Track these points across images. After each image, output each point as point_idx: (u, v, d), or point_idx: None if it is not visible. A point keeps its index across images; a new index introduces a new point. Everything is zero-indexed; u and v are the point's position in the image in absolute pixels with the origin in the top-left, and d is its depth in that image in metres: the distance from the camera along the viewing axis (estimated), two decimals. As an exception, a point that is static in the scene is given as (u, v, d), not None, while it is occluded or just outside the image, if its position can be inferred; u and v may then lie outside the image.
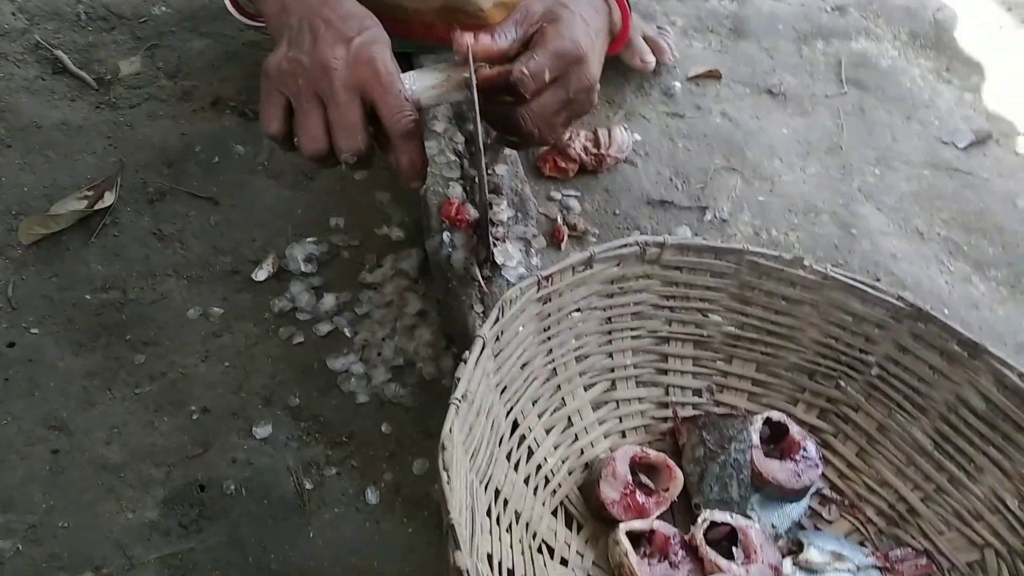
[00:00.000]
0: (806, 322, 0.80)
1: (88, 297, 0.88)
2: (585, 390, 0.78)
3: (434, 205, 0.88)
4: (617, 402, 0.80)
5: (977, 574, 0.71)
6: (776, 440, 0.77)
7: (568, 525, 0.72)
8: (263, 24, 0.92)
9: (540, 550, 0.68)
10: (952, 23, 1.41)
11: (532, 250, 0.87)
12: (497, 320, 0.67)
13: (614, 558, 0.68)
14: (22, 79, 1.11)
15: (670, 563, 0.68)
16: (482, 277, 0.81)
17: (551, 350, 0.76)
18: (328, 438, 0.80)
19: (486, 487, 0.65)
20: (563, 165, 1.05)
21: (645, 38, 1.20)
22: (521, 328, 0.71)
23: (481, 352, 0.64)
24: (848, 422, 0.80)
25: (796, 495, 0.75)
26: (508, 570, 0.62)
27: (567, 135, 1.04)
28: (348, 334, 0.87)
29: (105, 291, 0.89)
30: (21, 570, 0.69)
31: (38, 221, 0.92)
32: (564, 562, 0.68)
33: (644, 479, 0.73)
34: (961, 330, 0.74)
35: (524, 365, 0.73)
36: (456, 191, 0.89)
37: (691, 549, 0.69)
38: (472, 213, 0.83)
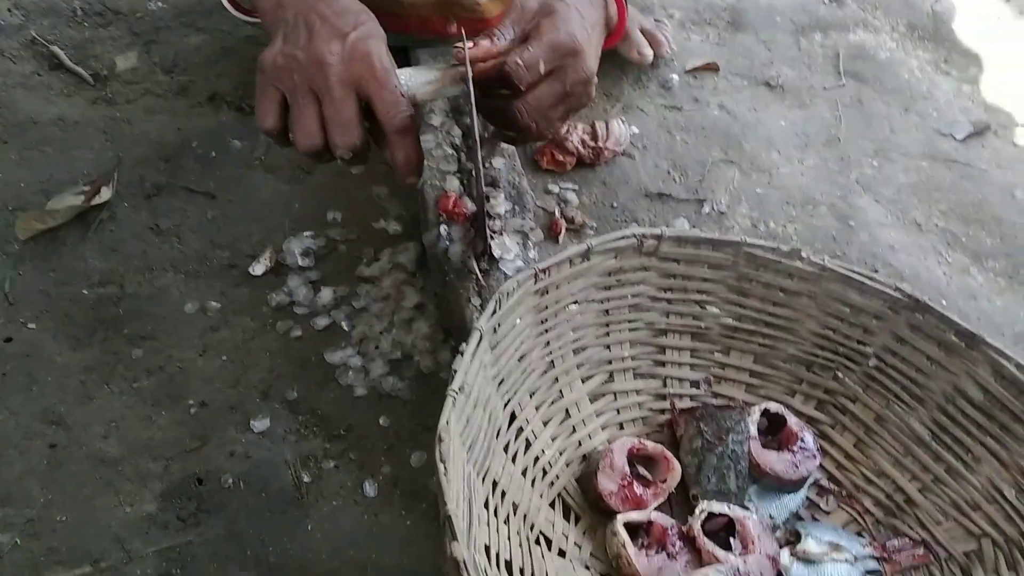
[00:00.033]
0: (804, 313, 0.80)
1: (85, 292, 0.88)
2: (583, 382, 0.79)
3: (431, 198, 0.88)
4: (615, 394, 0.80)
5: (974, 564, 0.71)
6: (774, 431, 0.77)
7: (566, 517, 0.72)
8: (258, 20, 0.92)
9: (538, 541, 0.68)
10: (950, 14, 1.41)
11: (530, 243, 0.87)
12: (494, 312, 0.67)
13: (612, 549, 0.68)
14: (18, 75, 1.11)
15: (668, 554, 0.68)
16: (479, 270, 0.81)
17: (548, 342, 0.76)
18: (326, 431, 0.80)
19: (483, 479, 0.65)
20: (561, 158, 1.05)
21: (643, 31, 1.20)
22: (518, 320, 0.71)
23: (478, 344, 0.64)
24: (846, 413, 0.80)
25: (794, 486, 0.75)
26: (506, 561, 0.62)
27: (564, 129, 1.04)
28: (346, 328, 0.87)
29: (102, 286, 0.89)
30: (19, 564, 0.69)
31: (35, 216, 0.92)
32: (562, 553, 0.69)
33: (642, 471, 0.73)
34: (959, 321, 0.74)
35: (521, 357, 0.73)
36: (453, 184, 0.89)
37: (689, 540, 0.69)
38: (469, 206, 0.82)
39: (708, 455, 0.73)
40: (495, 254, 0.81)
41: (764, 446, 0.75)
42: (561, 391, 0.77)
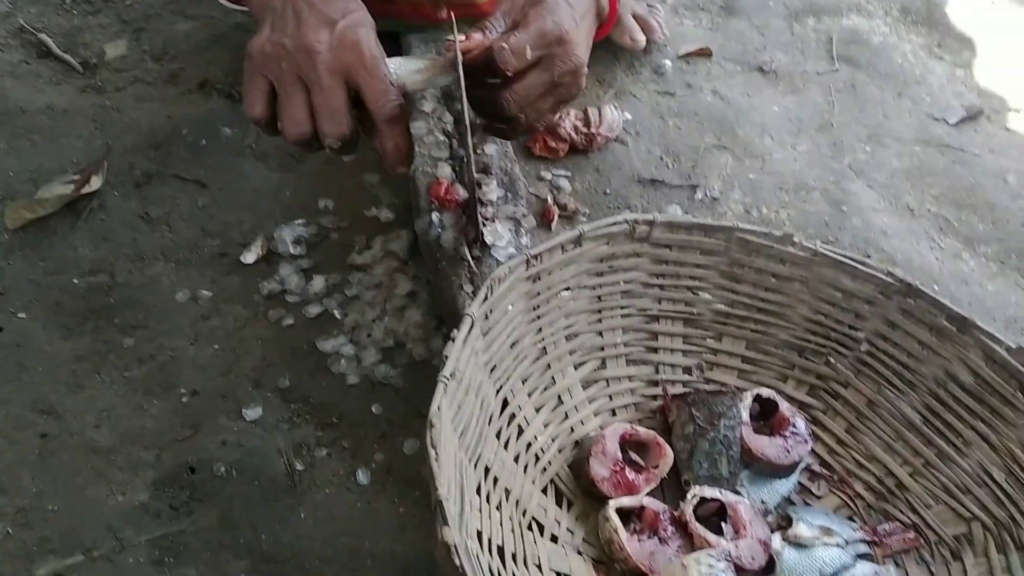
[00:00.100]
0: (796, 299, 0.80)
1: (76, 281, 0.88)
2: (575, 368, 0.78)
3: (423, 186, 0.88)
4: (607, 380, 0.80)
5: (964, 547, 0.71)
6: (766, 417, 0.77)
7: (558, 502, 0.72)
8: (246, 8, 0.92)
9: (530, 527, 0.68)
10: (944, -1, 1.41)
11: (522, 230, 0.87)
12: (486, 299, 0.67)
13: (604, 534, 0.68)
14: (6, 63, 1.10)
15: (660, 539, 0.68)
16: (472, 257, 0.81)
17: (541, 329, 0.75)
18: (318, 419, 0.80)
19: (475, 465, 0.65)
20: (553, 145, 1.05)
21: (635, 17, 1.19)
22: (510, 307, 0.71)
23: (469, 331, 0.63)
24: (838, 398, 0.80)
25: (785, 471, 0.75)
26: (498, 547, 0.63)
27: (556, 117, 1.04)
28: (338, 316, 0.87)
29: (93, 275, 0.89)
30: (11, 553, 0.69)
31: (24, 206, 0.92)
32: (554, 539, 0.69)
33: (634, 456, 0.74)
34: (950, 305, 0.74)
35: (514, 344, 0.72)
36: (445, 171, 0.88)
37: (681, 525, 0.69)
38: (461, 193, 0.82)
39: (700, 440, 0.74)
40: (487, 241, 0.81)
41: (756, 431, 0.76)
42: (553, 377, 0.77)
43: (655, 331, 0.82)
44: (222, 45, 1.15)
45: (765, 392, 0.78)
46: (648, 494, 0.72)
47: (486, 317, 0.67)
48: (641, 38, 1.17)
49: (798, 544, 0.69)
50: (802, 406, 0.80)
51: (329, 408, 0.81)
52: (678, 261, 0.80)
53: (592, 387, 0.79)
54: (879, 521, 0.75)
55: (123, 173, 0.98)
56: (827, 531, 0.70)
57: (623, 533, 0.67)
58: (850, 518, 0.75)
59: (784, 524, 0.71)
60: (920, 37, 1.34)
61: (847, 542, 0.71)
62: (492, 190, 0.87)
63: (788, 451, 0.74)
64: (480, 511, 0.63)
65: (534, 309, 0.74)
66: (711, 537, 0.68)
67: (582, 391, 0.78)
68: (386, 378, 0.83)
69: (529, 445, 0.73)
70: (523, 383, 0.74)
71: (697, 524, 0.69)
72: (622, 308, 0.80)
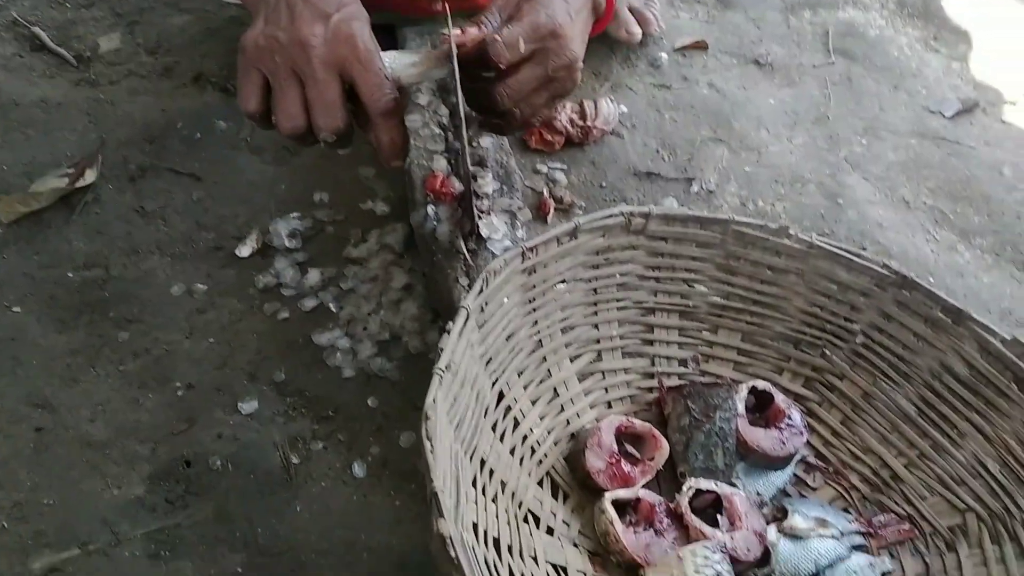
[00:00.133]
0: (791, 291, 0.80)
1: (70, 275, 0.88)
2: (571, 361, 0.78)
3: (419, 178, 0.88)
4: (603, 373, 0.80)
5: (959, 538, 0.72)
6: (761, 409, 0.77)
7: (554, 495, 0.72)
8: (240, 1, 0.91)
9: (526, 520, 0.68)
10: (940, -9, 1.40)
11: (518, 223, 0.87)
12: (481, 291, 0.67)
13: (600, 526, 0.69)
14: (-1, 56, 1.10)
15: (655, 531, 0.68)
16: (467, 250, 0.81)
17: (536, 321, 0.75)
18: (314, 413, 0.80)
19: (471, 457, 0.65)
20: (549, 138, 1.05)
21: (631, 9, 1.19)
22: (506, 299, 0.71)
23: (465, 323, 0.63)
24: (833, 390, 0.80)
25: (781, 463, 0.75)
26: (494, 539, 0.62)
27: (551, 112, 1.04)
28: (333, 309, 0.87)
29: (87, 269, 0.89)
30: (7, 547, 0.69)
31: (18, 199, 0.92)
32: (550, 531, 0.69)
33: (629, 448, 0.74)
34: (946, 297, 0.74)
35: (509, 336, 0.72)
36: (441, 164, 0.88)
37: (676, 517, 0.69)
38: (457, 186, 0.82)
39: (696, 433, 0.74)
40: (483, 234, 0.81)
41: (751, 423, 0.76)
42: (549, 370, 0.77)
43: (651, 323, 0.82)
44: (216, 38, 1.14)
45: (761, 384, 0.78)
46: (644, 486, 0.72)
47: (482, 310, 0.67)
48: (637, 31, 1.17)
49: (794, 536, 0.70)
50: (798, 398, 0.80)
51: (325, 401, 0.81)
52: (674, 254, 0.80)
53: (588, 379, 0.79)
54: (874, 513, 0.75)
55: (117, 167, 0.98)
56: (822, 523, 0.70)
57: (619, 525, 0.67)
58: (845, 510, 0.75)
59: (780, 516, 0.71)
60: (916, 30, 1.34)
61: (842, 533, 0.71)
62: (488, 183, 0.87)
63: (784, 443, 0.74)
64: (476, 503, 0.63)
65: (530, 302, 0.74)
66: (707, 529, 0.68)
67: (578, 383, 0.78)
68: (382, 371, 0.83)
69: (525, 437, 0.73)
70: (519, 376, 0.74)
71: (693, 516, 0.69)
72: (618, 301, 0.80)
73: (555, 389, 0.77)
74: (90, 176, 0.95)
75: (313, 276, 0.89)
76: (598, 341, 0.80)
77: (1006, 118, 1.20)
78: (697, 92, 1.16)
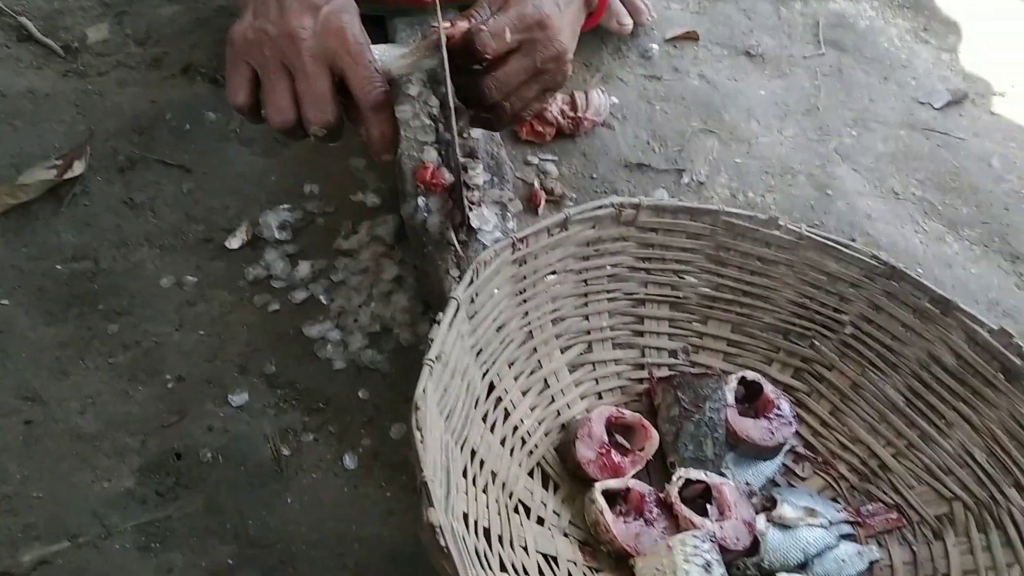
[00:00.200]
0: (781, 282, 0.80)
1: (59, 267, 0.87)
2: (561, 352, 0.79)
3: (409, 170, 0.87)
4: (593, 364, 0.80)
5: (945, 526, 0.72)
6: (751, 399, 0.78)
7: (545, 485, 0.73)
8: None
9: (516, 510, 0.68)
10: (930, -18, 1.40)
11: (508, 214, 0.87)
12: (471, 282, 0.67)
13: (590, 517, 0.69)
14: (-14, 47, 1.09)
15: (645, 520, 0.69)
16: (458, 242, 0.80)
17: (527, 312, 0.76)
18: (305, 405, 0.80)
19: (462, 448, 0.65)
20: (540, 129, 1.04)
21: (623, 0, 1.18)
22: (496, 290, 0.71)
23: (455, 314, 0.64)
24: (822, 381, 0.80)
25: (770, 453, 0.76)
26: (484, 529, 0.63)
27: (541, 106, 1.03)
28: (324, 301, 0.87)
29: (76, 261, 0.88)
30: (-3, 540, 0.69)
31: (6, 191, 0.91)
32: (540, 521, 0.69)
33: (620, 439, 0.74)
34: (934, 288, 0.74)
35: (500, 328, 0.73)
36: (431, 155, 0.87)
37: (666, 507, 0.70)
38: (447, 177, 0.82)
39: (685, 423, 0.74)
40: (473, 225, 0.81)
41: (741, 414, 0.76)
42: (540, 361, 0.77)
43: (641, 315, 0.82)
44: (206, 29, 1.14)
45: (750, 375, 0.78)
46: (634, 476, 0.72)
47: (472, 301, 0.67)
48: (628, 22, 1.16)
49: (782, 525, 0.70)
50: (787, 388, 0.80)
51: (315, 393, 0.81)
52: (664, 245, 0.80)
53: (578, 370, 0.79)
54: (862, 502, 0.75)
55: (106, 158, 0.97)
56: (811, 512, 0.71)
57: (609, 515, 0.68)
58: (834, 499, 0.76)
59: (769, 505, 0.72)
60: (906, 21, 1.34)
61: (831, 523, 0.71)
62: (478, 174, 0.86)
63: (773, 433, 0.75)
64: (466, 494, 0.63)
65: (520, 293, 0.74)
66: (696, 519, 0.68)
67: (568, 374, 0.79)
68: (372, 363, 0.83)
69: (516, 428, 0.73)
70: (509, 367, 0.74)
71: (682, 506, 0.69)
72: (608, 292, 0.80)
73: (545, 380, 0.77)
74: (78, 168, 0.94)
75: (303, 268, 0.89)
76: (588, 332, 0.80)
77: (995, 109, 1.21)
78: (688, 83, 1.16)
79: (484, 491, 0.66)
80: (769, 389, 0.77)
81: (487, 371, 0.71)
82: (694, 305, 0.82)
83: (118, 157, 0.97)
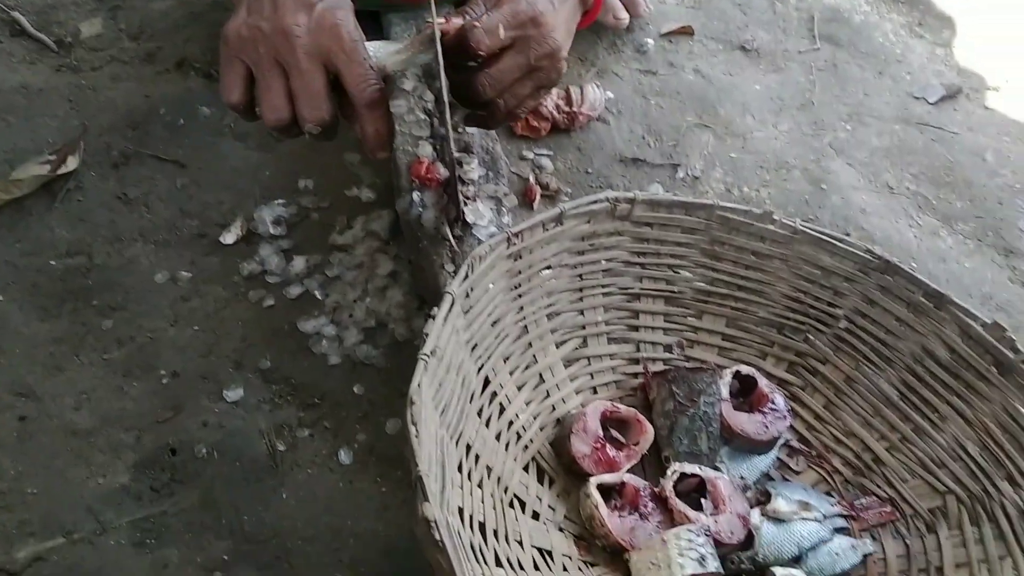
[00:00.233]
0: (775, 276, 0.80)
1: (53, 263, 0.87)
2: (556, 347, 0.79)
3: (404, 164, 0.87)
4: (588, 359, 0.80)
5: (939, 520, 0.72)
6: (745, 393, 0.78)
7: (540, 480, 0.73)
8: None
9: (512, 504, 0.68)
10: (925, -23, 1.40)
11: (504, 209, 0.86)
12: (466, 277, 0.67)
13: (585, 511, 0.69)
14: (-22, 42, 1.08)
15: (640, 515, 0.69)
16: (453, 237, 0.80)
17: (522, 307, 0.75)
18: (300, 400, 0.80)
19: (457, 443, 0.65)
20: (535, 124, 1.04)
21: (618, -5, 1.18)
22: (491, 285, 0.71)
23: (450, 309, 0.63)
24: (816, 375, 0.81)
25: (764, 447, 0.76)
26: (479, 523, 0.63)
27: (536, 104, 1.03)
28: (319, 296, 0.87)
29: (70, 256, 0.88)
30: (-9, 536, 0.69)
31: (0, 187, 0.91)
32: (536, 516, 0.69)
33: (615, 433, 0.74)
34: (928, 282, 0.74)
35: (495, 322, 0.73)
36: (426, 150, 0.87)
37: (661, 501, 0.70)
38: (442, 172, 0.82)
39: (680, 417, 0.74)
40: (469, 220, 0.81)
41: (735, 408, 0.76)
42: (535, 356, 0.77)
43: (636, 309, 0.82)
44: (199, 23, 1.13)
45: (745, 369, 0.78)
46: (629, 471, 0.72)
47: (467, 295, 0.67)
48: (624, 16, 1.16)
49: (777, 519, 0.70)
50: (781, 383, 0.80)
51: (311, 389, 0.81)
52: (659, 239, 0.80)
53: (574, 365, 0.79)
54: (856, 496, 0.76)
55: (100, 153, 0.97)
56: (805, 506, 0.71)
57: (604, 509, 0.68)
58: (828, 493, 0.76)
59: (763, 499, 0.72)
60: (901, 16, 1.34)
61: (825, 516, 0.71)
62: (473, 169, 0.86)
63: (767, 427, 0.75)
64: (461, 488, 0.63)
65: (515, 287, 0.74)
66: (691, 513, 0.68)
67: (564, 369, 0.79)
68: (368, 358, 0.83)
69: (511, 423, 0.73)
70: (505, 361, 0.74)
71: (677, 500, 0.69)
72: (603, 287, 0.80)
73: (541, 375, 0.77)
74: (72, 163, 0.94)
75: (298, 263, 0.88)
76: (584, 327, 0.80)
77: (989, 104, 1.21)
78: (683, 78, 1.16)
79: (479, 486, 0.66)
80: (763, 383, 0.78)
81: (482, 366, 0.71)
82: (689, 300, 0.82)
83: (112, 152, 0.97)
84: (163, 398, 0.79)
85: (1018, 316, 0.95)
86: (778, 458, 0.78)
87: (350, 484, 0.75)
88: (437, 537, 0.50)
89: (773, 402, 0.76)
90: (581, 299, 0.80)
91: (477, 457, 0.67)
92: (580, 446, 0.71)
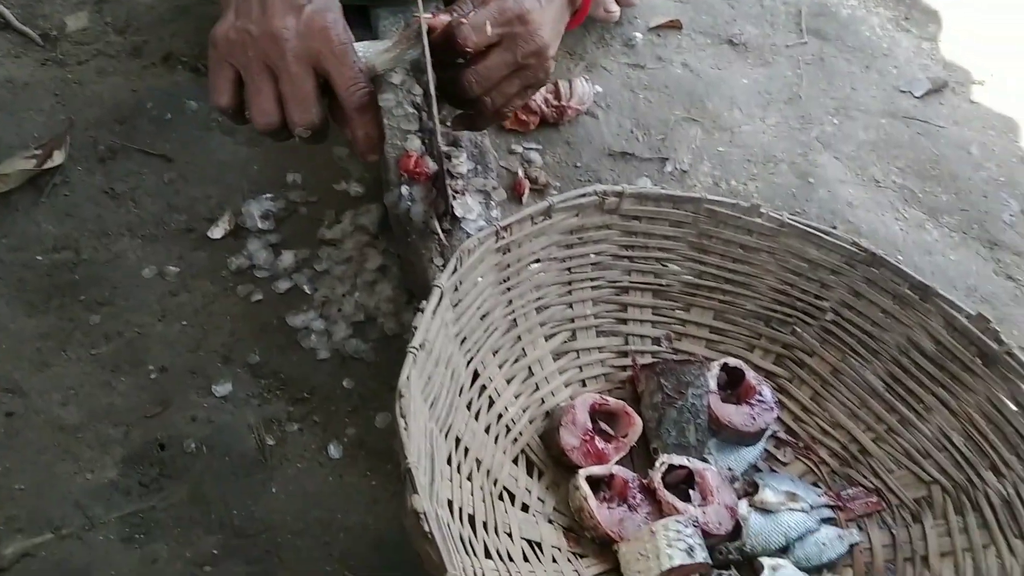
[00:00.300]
0: (763, 269, 0.81)
1: (39, 258, 0.87)
2: (545, 340, 0.79)
3: (392, 158, 0.87)
4: (577, 352, 0.81)
5: (924, 509, 0.73)
6: (733, 385, 0.79)
7: (529, 472, 0.73)
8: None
9: (501, 497, 0.69)
10: (911, -28, 1.41)
11: (492, 203, 0.86)
12: (455, 270, 0.67)
13: (574, 503, 0.69)
14: (-38, 35, 1.07)
15: (629, 506, 0.69)
16: (442, 230, 0.80)
17: (511, 301, 0.76)
18: (289, 394, 0.80)
19: (446, 436, 0.65)
20: (524, 118, 1.04)
21: (607, -13, 1.18)
22: (480, 279, 0.71)
23: (439, 302, 0.64)
24: (803, 367, 0.81)
25: (752, 438, 0.76)
26: (469, 516, 0.63)
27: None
28: (308, 291, 0.87)
29: (57, 251, 0.87)
30: (-21, 532, 0.69)
31: (-16, 181, 0.90)
32: (525, 508, 0.70)
33: (603, 426, 0.74)
34: (913, 274, 0.75)
35: (484, 316, 0.73)
36: (414, 144, 0.87)
37: (649, 492, 0.70)
38: (431, 166, 0.81)
39: (668, 409, 0.75)
40: (457, 214, 0.81)
41: (723, 400, 0.77)
42: (524, 349, 0.77)
43: (624, 302, 0.82)
44: (186, 17, 1.12)
45: (732, 361, 0.79)
46: (617, 463, 0.73)
47: (456, 289, 0.68)
48: (615, 9, 1.16)
49: (764, 510, 0.71)
50: (768, 375, 0.81)
51: (300, 383, 0.81)
52: (647, 233, 0.80)
53: (562, 358, 0.80)
54: (843, 486, 0.76)
55: (86, 148, 0.96)
56: (792, 497, 0.72)
57: (593, 501, 0.68)
58: (815, 484, 0.77)
59: (750, 490, 0.73)
60: (888, 10, 1.35)
61: (812, 507, 0.72)
62: (462, 163, 0.86)
63: (754, 419, 0.76)
64: (451, 481, 0.63)
65: (504, 281, 0.75)
66: (679, 504, 0.69)
67: (552, 362, 0.79)
68: (357, 353, 0.83)
69: (500, 416, 0.73)
70: (494, 354, 0.74)
71: (665, 491, 0.70)
72: (592, 280, 0.81)
73: (530, 368, 0.77)
74: (58, 157, 0.93)
75: (287, 258, 0.88)
76: (572, 320, 0.80)
77: (974, 98, 1.22)
78: (671, 72, 1.16)
79: (469, 478, 0.66)
80: (751, 375, 0.78)
81: (471, 359, 0.71)
82: (677, 293, 0.83)
83: (98, 147, 0.97)
84: (151, 393, 0.79)
85: (1002, 308, 0.96)
86: (765, 449, 0.78)
87: (340, 478, 0.75)
88: (426, 529, 0.50)
89: (760, 394, 0.77)
90: (570, 292, 0.80)
91: (466, 450, 0.67)
92: (569, 438, 0.72)
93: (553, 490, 0.73)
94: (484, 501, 0.66)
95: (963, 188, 1.08)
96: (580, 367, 0.80)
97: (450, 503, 0.61)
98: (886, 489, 0.75)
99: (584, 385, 0.80)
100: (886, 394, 0.77)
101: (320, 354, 0.83)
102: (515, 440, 0.74)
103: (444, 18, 0.69)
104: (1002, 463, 0.70)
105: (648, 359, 0.81)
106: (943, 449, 0.74)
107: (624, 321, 0.82)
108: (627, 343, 0.82)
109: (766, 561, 0.68)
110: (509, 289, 0.75)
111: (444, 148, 0.77)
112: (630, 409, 0.75)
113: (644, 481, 0.71)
